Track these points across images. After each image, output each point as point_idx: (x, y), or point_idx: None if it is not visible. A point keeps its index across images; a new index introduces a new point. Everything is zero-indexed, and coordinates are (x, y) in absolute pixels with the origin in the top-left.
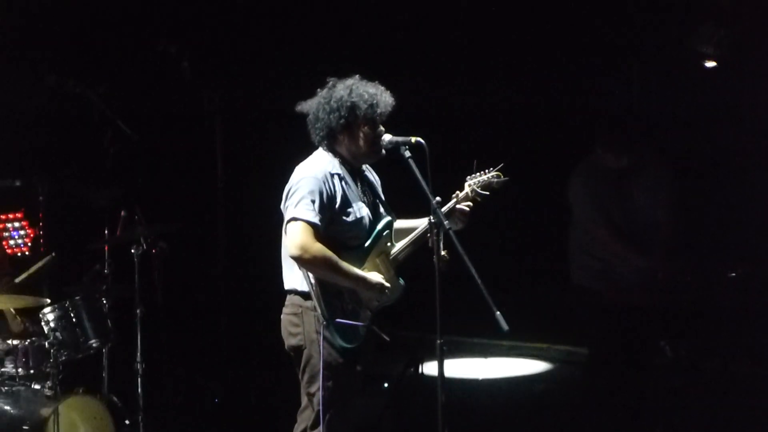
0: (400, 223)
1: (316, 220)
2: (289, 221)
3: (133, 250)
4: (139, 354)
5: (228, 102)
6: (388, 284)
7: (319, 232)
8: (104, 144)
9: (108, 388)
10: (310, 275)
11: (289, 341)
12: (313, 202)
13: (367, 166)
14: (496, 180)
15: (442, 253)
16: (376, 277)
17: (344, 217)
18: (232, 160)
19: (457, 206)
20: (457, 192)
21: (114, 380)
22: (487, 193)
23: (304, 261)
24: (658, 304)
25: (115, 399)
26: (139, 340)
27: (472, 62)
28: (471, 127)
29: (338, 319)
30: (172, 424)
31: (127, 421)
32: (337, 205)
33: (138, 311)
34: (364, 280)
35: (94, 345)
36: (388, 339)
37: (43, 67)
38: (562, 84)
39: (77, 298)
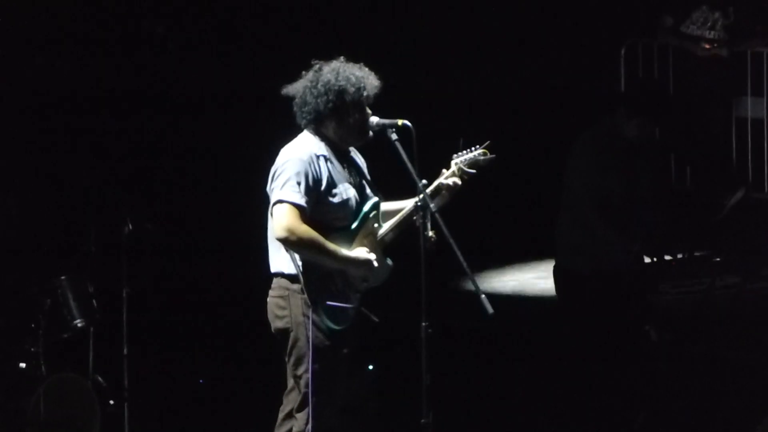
0: (386, 205)
1: (302, 201)
2: (275, 203)
3: (120, 231)
4: (125, 335)
5: (214, 82)
6: (374, 258)
7: (306, 213)
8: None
9: (93, 369)
10: (297, 257)
11: (276, 324)
12: (299, 183)
13: (353, 148)
14: (482, 158)
15: (429, 233)
16: (363, 254)
17: (330, 199)
18: (219, 141)
19: (443, 181)
20: (443, 170)
21: (99, 361)
22: (474, 171)
23: (290, 243)
24: (643, 288)
25: (100, 379)
26: (125, 321)
27: (458, 43)
28: (456, 107)
29: (328, 302)
30: (157, 404)
31: (111, 402)
32: (323, 187)
33: (124, 292)
34: (352, 260)
35: (79, 325)
36: (377, 320)
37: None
38: (549, 63)
39: (62, 278)
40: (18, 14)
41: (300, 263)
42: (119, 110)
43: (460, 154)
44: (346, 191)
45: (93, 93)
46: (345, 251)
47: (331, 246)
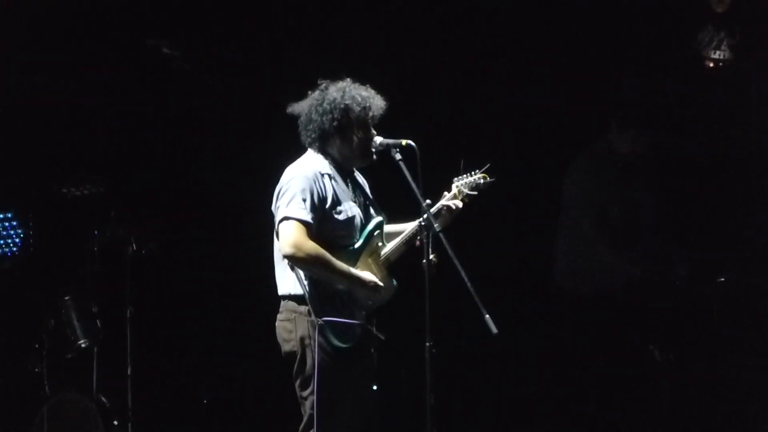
0: (389, 227)
1: (308, 218)
2: (281, 221)
3: (123, 250)
4: (128, 354)
5: (219, 100)
6: (381, 283)
7: (312, 230)
8: (96, 140)
9: (97, 389)
10: (303, 275)
11: (284, 347)
12: (305, 200)
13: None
14: (482, 181)
15: (431, 257)
16: (369, 275)
17: (336, 216)
18: (223, 159)
19: (445, 203)
20: (445, 192)
21: (103, 380)
22: (475, 193)
23: (297, 259)
24: (645, 307)
25: (104, 399)
26: (128, 341)
27: (461, 62)
28: (458, 127)
29: (332, 318)
30: (161, 424)
31: (115, 422)
32: (328, 204)
33: (128, 311)
34: (358, 279)
35: (83, 345)
36: (383, 338)
37: (31, 65)
38: (550, 83)
39: (67, 297)
40: (18, 29)
41: (306, 282)
42: (123, 128)
43: (460, 177)
44: (351, 209)
45: (97, 109)
46: (352, 269)
47: (338, 263)
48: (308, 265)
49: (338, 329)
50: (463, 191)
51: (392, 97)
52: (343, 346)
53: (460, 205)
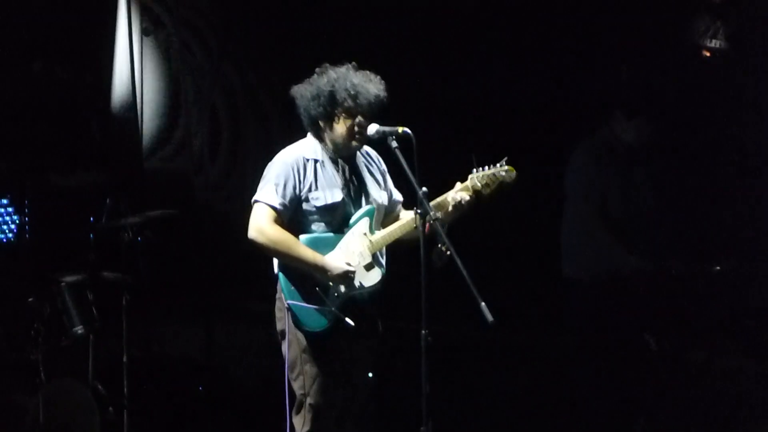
0: (404, 214)
1: (276, 203)
2: (253, 203)
3: (119, 238)
4: (124, 342)
5: (218, 88)
6: (352, 270)
7: (281, 216)
8: (91, 131)
9: (93, 376)
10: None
11: (277, 326)
12: (277, 185)
13: (373, 155)
14: (504, 174)
15: (442, 248)
16: (337, 263)
17: (313, 201)
18: (221, 147)
19: (452, 195)
20: (458, 183)
21: (99, 368)
22: (493, 188)
23: (259, 244)
24: (643, 296)
25: (99, 387)
26: (124, 328)
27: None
28: (467, 119)
29: (296, 303)
30: (156, 412)
31: (111, 409)
32: (304, 190)
33: (124, 299)
34: (323, 266)
35: (79, 332)
36: (352, 324)
37: (30, 54)
38: (554, 75)
39: (62, 284)
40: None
41: (277, 264)
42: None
43: (478, 170)
44: (332, 196)
45: (94, 96)
46: (318, 256)
47: (302, 250)
48: (269, 250)
49: (304, 313)
50: (477, 184)
51: (397, 88)
52: (311, 331)
53: (467, 197)
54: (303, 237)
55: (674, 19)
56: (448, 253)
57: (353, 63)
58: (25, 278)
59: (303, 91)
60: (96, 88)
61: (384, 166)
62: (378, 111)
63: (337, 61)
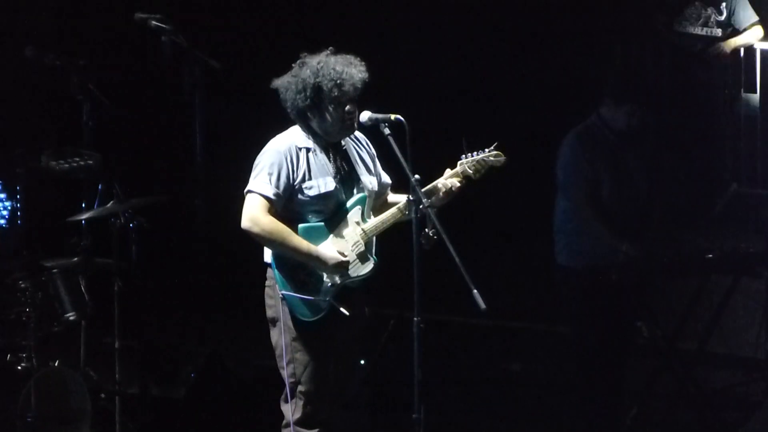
0: (393, 197)
1: (269, 193)
2: (246, 193)
3: (111, 224)
4: (116, 328)
5: (208, 74)
6: (345, 260)
7: (275, 205)
8: (83, 117)
9: (84, 362)
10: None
11: (267, 313)
12: (270, 175)
13: (362, 139)
14: (493, 159)
15: (430, 232)
16: (331, 253)
17: (306, 191)
18: (212, 133)
19: (442, 181)
20: (448, 169)
21: (91, 354)
22: (482, 172)
23: (253, 234)
24: (635, 284)
25: (91, 373)
26: (116, 314)
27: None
28: (458, 104)
29: (290, 293)
30: (148, 398)
31: (102, 395)
32: (298, 179)
33: (116, 285)
34: (317, 256)
35: (71, 318)
36: (347, 313)
37: (21, 40)
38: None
39: (54, 270)
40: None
41: (270, 254)
42: (115, 101)
43: (467, 155)
44: (325, 184)
45: (86, 83)
46: (312, 247)
47: (296, 240)
48: (263, 240)
49: (298, 303)
50: (467, 170)
51: (389, 73)
52: (306, 320)
53: (457, 183)
54: (298, 227)
55: (665, 5)
56: (435, 238)
57: (331, 48)
58: (17, 264)
59: (287, 84)
60: (88, 73)
61: (373, 150)
62: (362, 92)
63: (327, 46)
